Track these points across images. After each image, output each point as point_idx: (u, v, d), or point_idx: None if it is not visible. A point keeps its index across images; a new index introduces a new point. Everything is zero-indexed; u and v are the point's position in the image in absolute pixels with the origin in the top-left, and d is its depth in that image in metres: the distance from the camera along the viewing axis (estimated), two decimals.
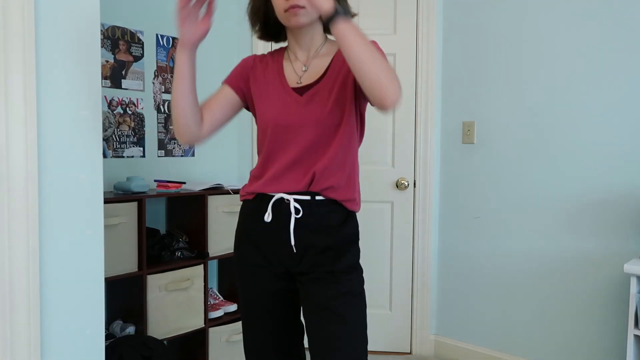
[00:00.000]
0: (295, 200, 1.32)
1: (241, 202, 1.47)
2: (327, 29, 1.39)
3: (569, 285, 2.46)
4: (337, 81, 1.33)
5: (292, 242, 1.32)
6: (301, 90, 1.34)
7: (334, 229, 1.34)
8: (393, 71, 1.16)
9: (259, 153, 1.43)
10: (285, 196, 1.32)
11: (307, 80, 1.36)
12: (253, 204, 1.39)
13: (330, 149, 1.31)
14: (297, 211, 1.32)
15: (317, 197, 1.32)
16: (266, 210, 1.35)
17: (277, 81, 1.38)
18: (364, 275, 1.41)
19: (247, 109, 1.47)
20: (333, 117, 1.31)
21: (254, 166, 1.49)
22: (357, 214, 2.66)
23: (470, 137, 2.76)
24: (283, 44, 1.47)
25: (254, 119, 1.47)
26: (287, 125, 1.32)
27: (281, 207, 1.33)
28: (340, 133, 1.32)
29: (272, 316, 1.42)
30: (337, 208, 1.34)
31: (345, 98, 1.32)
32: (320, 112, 1.31)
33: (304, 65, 1.38)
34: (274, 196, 1.34)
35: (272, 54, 1.45)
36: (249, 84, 1.41)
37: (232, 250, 2.60)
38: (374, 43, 1.25)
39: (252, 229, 1.39)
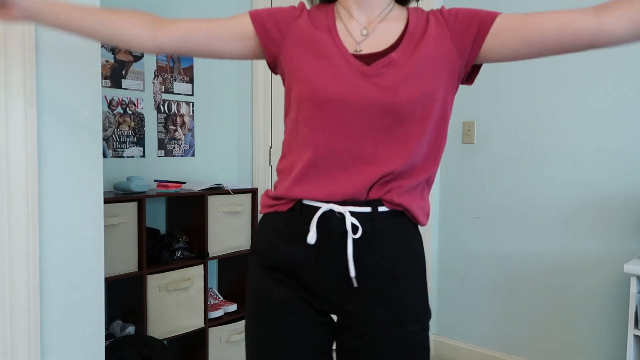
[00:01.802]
0: (352, 213, 0.98)
1: (262, 215, 1.10)
2: None
3: (569, 286, 2.46)
4: (420, 56, 0.98)
5: (352, 273, 0.97)
6: (367, 59, 0.99)
7: (401, 250, 1.01)
8: None
9: (289, 144, 1.06)
10: (337, 208, 0.97)
11: (370, 47, 1.01)
12: (288, 218, 1.02)
13: (406, 141, 0.98)
14: (354, 229, 0.98)
15: (380, 208, 0.99)
16: (307, 227, 0.99)
17: (330, 42, 1.01)
18: None
19: (273, 70, 1.11)
20: (414, 99, 0.96)
21: (280, 160, 1.10)
22: None
23: (470, 137, 2.76)
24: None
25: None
26: (347, 102, 0.96)
27: (331, 222, 0.98)
28: (419, 121, 0.98)
29: None
30: (404, 222, 1.02)
31: (432, 79, 0.98)
32: (396, 89, 0.95)
33: (364, 28, 1.03)
34: (319, 208, 0.99)
35: (320, 7, 1.09)
36: (284, 39, 1.04)
37: (233, 251, 2.61)
38: None
39: (287, 253, 1.02)
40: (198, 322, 2.46)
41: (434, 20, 1.02)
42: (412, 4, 1.09)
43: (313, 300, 1.03)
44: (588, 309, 2.40)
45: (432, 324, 2.93)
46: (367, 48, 1.01)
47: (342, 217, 0.97)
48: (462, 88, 2.77)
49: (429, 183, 1.05)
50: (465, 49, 1.00)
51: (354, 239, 0.97)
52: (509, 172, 2.64)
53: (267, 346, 1.04)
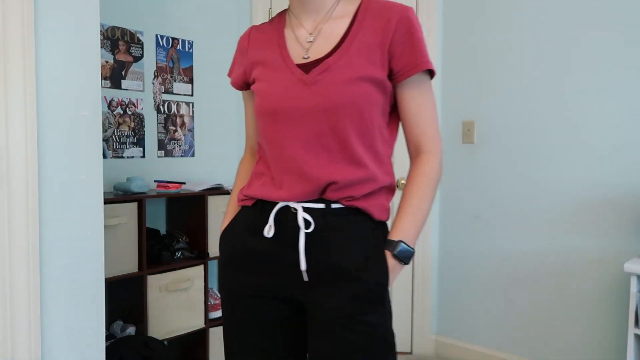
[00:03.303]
0: (305, 209, 1.02)
1: (240, 208, 1.15)
2: None
3: (569, 285, 2.46)
4: (363, 54, 1.00)
5: (303, 267, 1.01)
6: (308, 67, 1.02)
7: (355, 245, 1.02)
8: (436, 186, 1.08)
9: (259, 151, 1.15)
10: (292, 204, 1.02)
11: (316, 53, 1.03)
12: (252, 213, 1.09)
13: (348, 148, 1.01)
14: (307, 224, 1.01)
15: (334, 205, 1.02)
16: (266, 222, 1.04)
17: (277, 54, 1.06)
18: None
19: None
20: (352, 104, 0.99)
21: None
22: None
23: (470, 136, 2.76)
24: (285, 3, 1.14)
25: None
26: (286, 112, 1.02)
27: (287, 218, 1.03)
28: (361, 126, 1.01)
29: (270, 354, 1.10)
30: (361, 218, 1.03)
31: (373, 78, 1.00)
32: (331, 96, 0.98)
33: (309, 33, 1.05)
34: (276, 204, 1.04)
35: (272, 20, 1.15)
36: (245, 71, 1.14)
37: None
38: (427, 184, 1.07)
39: (249, 245, 1.08)
40: (198, 323, 2.46)
41: (384, 20, 1.02)
42: None
43: (280, 290, 1.06)
44: (588, 308, 2.40)
45: (433, 323, 2.93)
46: (314, 54, 1.03)
47: (296, 212, 1.02)
48: (462, 88, 2.77)
49: (382, 177, 1.06)
50: (389, 70, 1.03)
51: (309, 235, 1.01)
52: (508, 172, 2.64)
53: (238, 325, 1.11)
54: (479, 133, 2.73)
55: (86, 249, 1.57)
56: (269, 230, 1.04)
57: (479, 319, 2.77)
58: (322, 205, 1.02)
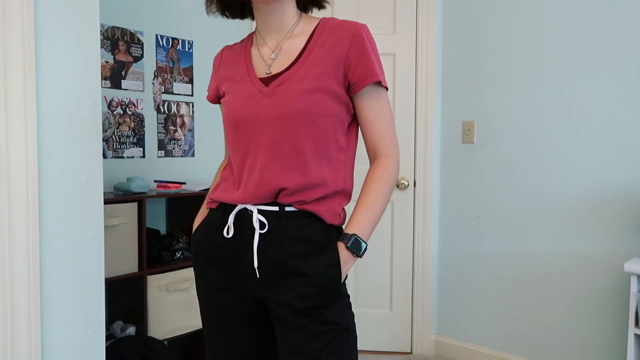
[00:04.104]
0: (260, 211, 1.10)
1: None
2: (300, 4, 1.21)
3: (569, 285, 2.46)
4: (317, 67, 1.09)
5: (255, 264, 1.09)
6: (269, 81, 1.11)
7: (308, 245, 1.08)
8: (392, 186, 1.15)
9: (228, 157, 1.26)
10: (249, 207, 1.10)
11: (277, 68, 1.13)
12: (216, 214, 1.17)
13: (300, 154, 1.08)
14: (262, 225, 1.09)
15: (288, 208, 1.10)
16: (227, 223, 1.13)
17: (244, 70, 1.16)
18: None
19: None
20: (305, 113, 1.07)
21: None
22: None
23: (470, 136, 2.76)
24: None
25: None
26: (248, 121, 1.11)
27: (244, 219, 1.11)
28: (315, 134, 1.08)
29: (240, 347, 1.18)
30: (314, 221, 1.10)
31: (327, 90, 1.08)
32: (286, 106, 1.07)
33: (272, 51, 1.15)
34: (235, 207, 1.13)
35: (242, 40, 1.25)
36: (221, 83, 1.24)
37: None
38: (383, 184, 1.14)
39: (212, 243, 1.16)
40: (198, 323, 2.45)
41: (339, 36, 1.10)
42: (313, 12, 1.22)
43: (243, 287, 1.14)
44: (588, 308, 2.40)
45: (433, 323, 2.93)
46: (275, 69, 1.13)
47: (252, 214, 1.10)
48: (462, 88, 2.77)
49: (342, 192, 1.14)
50: (346, 83, 1.11)
51: (264, 235, 1.09)
52: (508, 172, 2.64)
53: (210, 319, 1.20)
54: (479, 133, 2.73)
55: (86, 249, 1.57)
56: (228, 231, 1.12)
57: (479, 319, 2.77)
58: (276, 208, 1.10)
